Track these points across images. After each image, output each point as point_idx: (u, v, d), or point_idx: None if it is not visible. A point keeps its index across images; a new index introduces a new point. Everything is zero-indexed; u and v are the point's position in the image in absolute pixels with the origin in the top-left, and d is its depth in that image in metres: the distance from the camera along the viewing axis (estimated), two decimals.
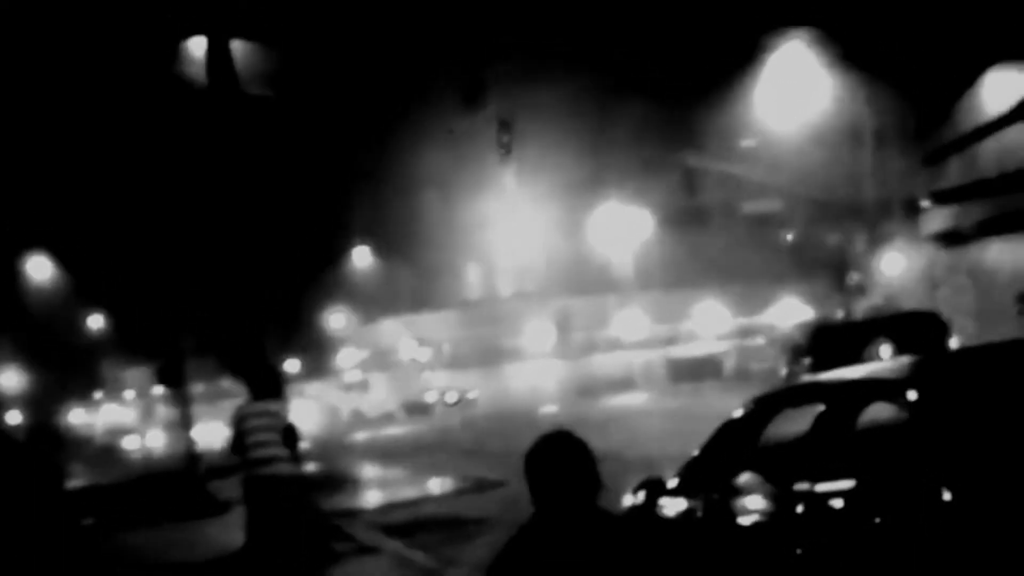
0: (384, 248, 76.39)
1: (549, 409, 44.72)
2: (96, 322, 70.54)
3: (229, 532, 11.64)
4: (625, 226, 55.64)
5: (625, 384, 56.22)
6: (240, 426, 10.20)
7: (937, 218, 38.05)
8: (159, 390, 58.72)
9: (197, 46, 15.37)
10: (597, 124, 52.31)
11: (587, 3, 52.28)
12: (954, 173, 36.78)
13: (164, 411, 64.79)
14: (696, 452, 7.20)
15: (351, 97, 63.98)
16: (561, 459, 3.99)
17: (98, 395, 79.99)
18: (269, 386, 10.55)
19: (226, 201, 15.01)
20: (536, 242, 64.39)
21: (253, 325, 14.84)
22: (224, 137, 14.68)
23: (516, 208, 57.94)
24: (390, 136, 67.71)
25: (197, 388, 49.37)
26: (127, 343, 60.37)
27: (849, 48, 36.88)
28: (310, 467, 13.39)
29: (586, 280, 60.47)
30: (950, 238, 37.33)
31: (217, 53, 14.67)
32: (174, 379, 23.83)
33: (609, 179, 54.96)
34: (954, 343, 23.85)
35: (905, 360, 6.78)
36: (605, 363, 59.96)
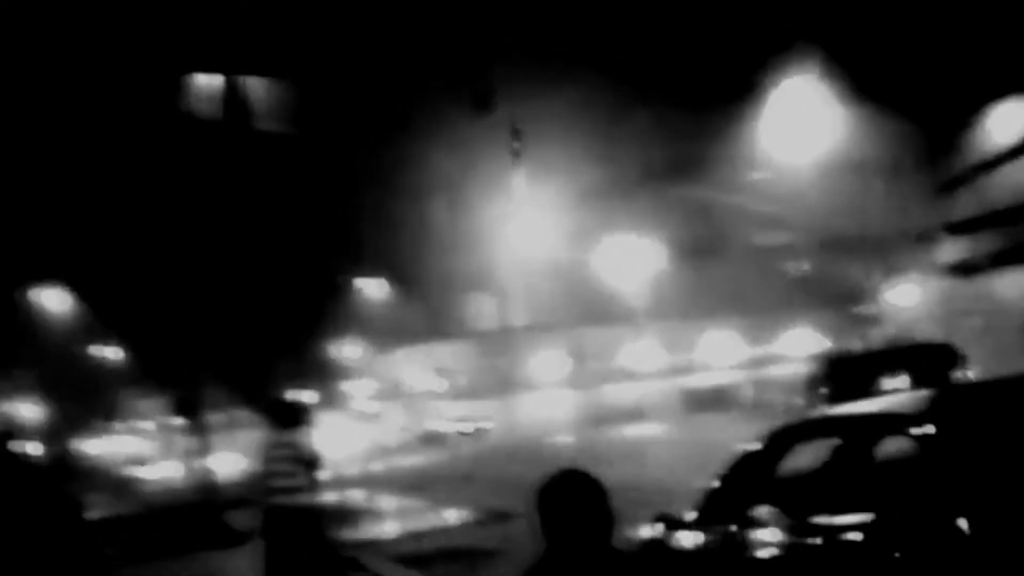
0: (397, 278, 76.69)
1: (563, 439, 44.68)
2: (113, 353, 70.87)
3: (247, 563, 11.68)
4: (636, 256, 55.73)
5: (639, 414, 56.18)
6: (263, 456, 10.26)
7: (950, 249, 38.05)
8: (176, 420, 58.87)
9: (212, 82, 15.53)
10: (608, 144, 52.40)
11: (601, 15, 52.53)
12: (966, 204, 36.81)
13: (181, 441, 64.91)
14: (713, 484, 7.23)
15: (361, 113, 64.29)
16: (575, 497, 3.96)
17: (115, 425, 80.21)
18: (290, 416, 10.60)
19: (242, 233, 15.18)
20: (548, 267, 64.49)
21: (268, 353, 14.97)
22: (240, 171, 14.86)
23: (526, 217, 58.00)
24: (400, 146, 68.00)
25: (214, 418, 49.47)
26: (144, 373, 60.62)
27: (859, 79, 37.01)
28: (326, 497, 13.46)
29: (599, 310, 60.49)
30: (963, 269, 37.32)
31: (231, 89, 14.84)
32: (191, 409, 23.95)
33: (620, 208, 55.06)
34: (969, 375, 23.81)
35: (921, 393, 6.82)
36: (619, 393, 59.94)
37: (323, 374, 70.47)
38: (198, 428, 24.10)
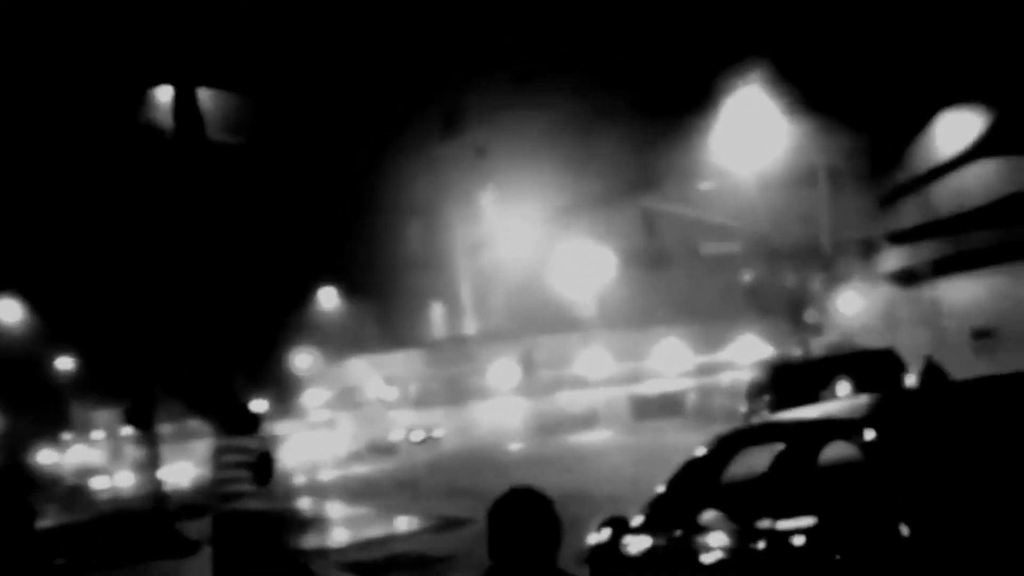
0: (350, 289, 76.51)
1: (514, 447, 44.73)
2: (65, 364, 70.13)
3: (198, 571, 11.64)
4: (588, 265, 55.90)
5: (589, 421, 56.30)
6: (214, 462, 10.18)
7: (893, 257, 38.49)
8: (128, 431, 58.20)
9: (165, 93, 15.49)
10: (563, 161, 52.70)
11: (563, 34, 52.73)
12: (909, 213, 37.24)
13: (133, 451, 64.17)
14: (660, 490, 7.31)
15: (325, 133, 64.20)
16: (523, 517, 4.00)
17: (67, 436, 79.28)
18: (241, 422, 10.53)
19: (195, 244, 15.12)
20: (502, 278, 64.58)
21: (221, 363, 14.90)
22: (192, 182, 14.81)
23: (490, 237, 58.03)
24: (364, 167, 67.95)
25: (165, 429, 48.97)
26: (96, 384, 59.94)
27: (806, 91, 37.37)
28: (278, 505, 13.38)
29: (550, 319, 60.59)
30: (906, 277, 37.75)
31: (184, 100, 14.81)
32: (142, 420, 23.71)
33: (572, 217, 55.26)
34: (911, 381, 24.11)
35: (863, 399, 6.94)
36: (569, 401, 60.07)
37: (277, 383, 70.01)
38: (149, 438, 23.88)
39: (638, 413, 55.16)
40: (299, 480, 40.96)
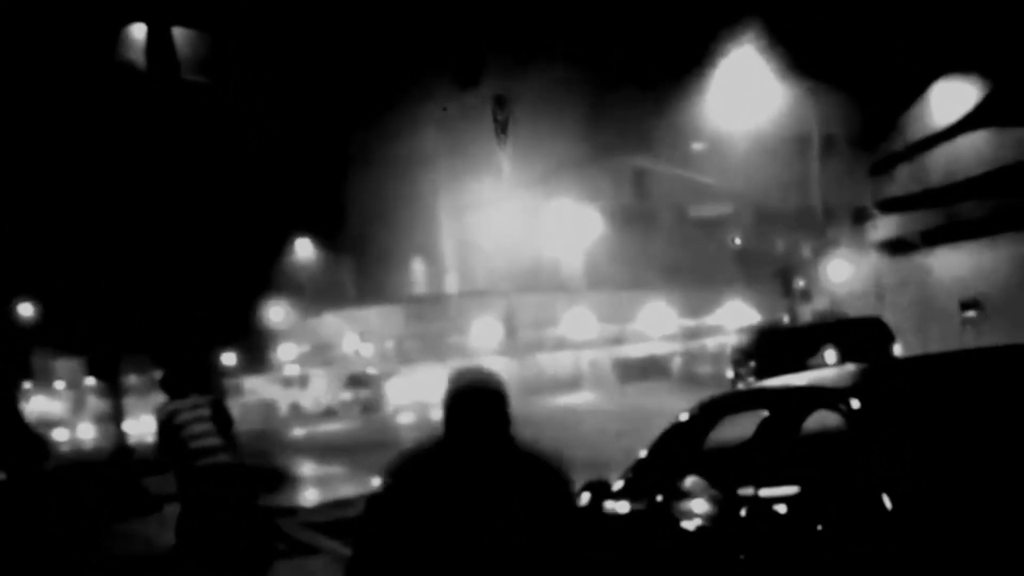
0: (327, 240, 75.70)
1: None
2: (26, 310, 69.43)
3: (166, 529, 11.51)
4: (575, 225, 55.81)
5: (572, 383, 56.38)
6: (169, 423, 9.95)
7: (884, 226, 38.44)
8: (91, 381, 57.84)
9: (138, 32, 15.14)
10: (552, 120, 52.44)
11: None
12: (902, 182, 37.16)
13: (96, 403, 63.82)
14: (642, 454, 7.24)
15: (319, 83, 63.81)
16: (479, 397, 4.14)
17: (27, 385, 78.78)
18: (194, 381, 10.38)
19: (164, 189, 14.80)
20: (487, 235, 64.36)
21: (191, 315, 14.61)
22: (163, 124, 14.49)
23: (480, 194, 57.72)
24: (360, 118, 67.58)
25: (130, 380, 48.59)
26: (58, 332, 59.22)
27: (800, 55, 37.22)
28: (246, 461, 13.14)
29: (535, 278, 60.56)
30: (896, 246, 37.73)
31: (157, 40, 14.47)
32: (106, 371, 23.23)
33: (560, 176, 55.11)
34: (898, 351, 24.11)
35: (849, 368, 6.87)
36: (553, 362, 60.10)
37: (248, 336, 69.57)
38: (113, 389, 23.38)
39: (622, 376, 55.24)
40: (268, 437, 40.70)
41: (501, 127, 37.33)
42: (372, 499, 4.20)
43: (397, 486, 4.12)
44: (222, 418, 10.01)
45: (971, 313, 32.44)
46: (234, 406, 18.33)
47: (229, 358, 64.07)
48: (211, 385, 10.58)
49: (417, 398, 54.88)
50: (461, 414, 4.12)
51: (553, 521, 4.12)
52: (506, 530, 4.00)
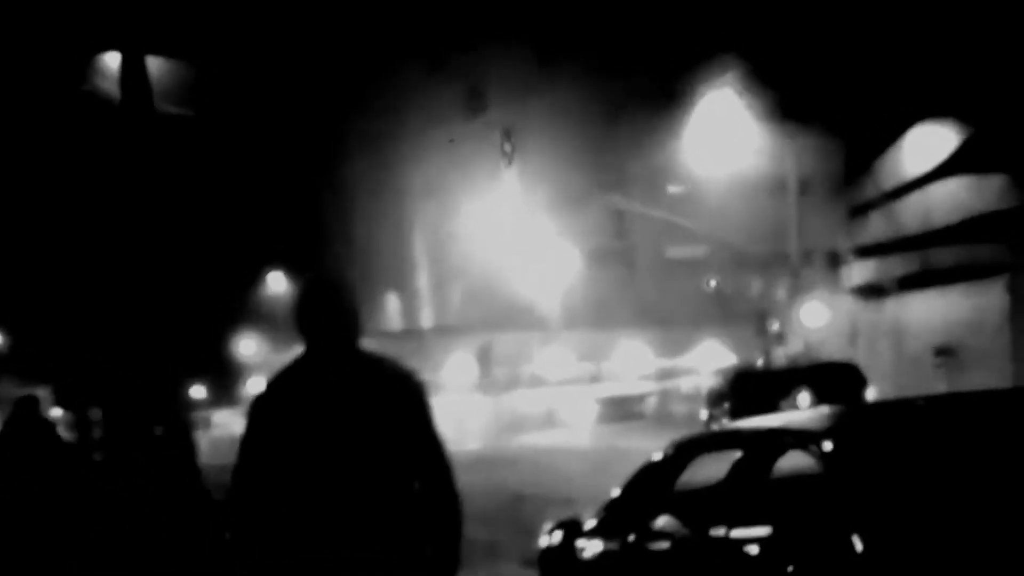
0: (301, 273, 75.36)
1: (470, 445, 44.62)
2: None
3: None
4: (552, 262, 55.87)
5: (547, 422, 56.24)
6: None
7: (859, 271, 38.65)
8: (57, 412, 57.12)
9: (112, 60, 15.06)
10: (536, 160, 52.57)
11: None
12: (877, 227, 37.38)
13: (64, 434, 63.05)
14: (615, 493, 7.25)
15: (299, 112, 63.70)
16: (327, 303, 4.49)
17: None
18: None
19: (135, 219, 14.67)
20: (465, 271, 64.32)
21: (161, 348, 14.43)
22: (134, 154, 14.38)
23: (460, 228, 57.52)
24: (342, 149, 67.42)
25: (96, 413, 47.88)
26: (25, 363, 58.43)
27: (778, 98, 37.49)
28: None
29: (510, 315, 60.49)
30: (871, 291, 37.92)
31: (131, 69, 14.38)
32: (73, 401, 22.99)
33: (539, 213, 55.18)
34: (871, 395, 24.22)
35: (822, 411, 6.91)
36: (527, 400, 59.93)
37: (218, 369, 68.98)
38: (81, 421, 23.08)
39: (597, 415, 55.17)
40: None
41: (508, 158, 37.16)
42: (250, 408, 4.54)
43: (267, 394, 4.49)
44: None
45: (940, 360, 32.67)
46: (203, 439, 18.21)
47: (199, 391, 63.62)
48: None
49: None
50: (310, 313, 4.49)
51: (405, 414, 4.43)
52: (362, 425, 4.33)
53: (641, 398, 56.80)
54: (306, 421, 4.32)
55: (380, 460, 4.34)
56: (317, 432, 4.30)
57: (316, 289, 4.57)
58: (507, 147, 36.56)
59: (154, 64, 14.96)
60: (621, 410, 54.63)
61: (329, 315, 4.47)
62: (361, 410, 4.35)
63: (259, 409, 4.46)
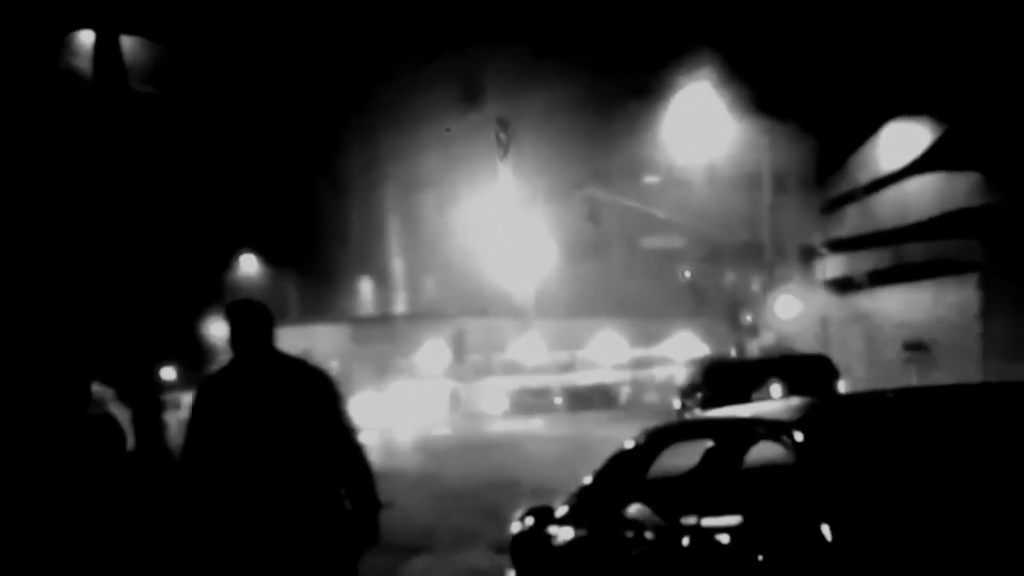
0: (273, 256, 74.91)
1: (441, 431, 44.63)
2: None
3: None
4: (529, 253, 55.90)
5: (521, 408, 56.27)
6: None
7: (832, 265, 38.83)
8: None
9: (86, 38, 14.89)
10: (523, 150, 52.56)
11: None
12: (851, 221, 37.56)
13: None
14: (586, 480, 7.28)
15: (287, 97, 63.35)
16: (249, 317, 5.84)
17: None
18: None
19: (106, 199, 14.51)
20: (438, 258, 64.21)
21: (132, 329, 14.31)
22: (107, 134, 14.21)
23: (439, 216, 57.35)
24: (334, 136, 67.06)
25: None
26: None
27: (756, 91, 37.58)
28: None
29: (485, 303, 60.45)
30: (843, 285, 38.11)
31: (105, 47, 14.20)
32: None
33: (518, 206, 55.20)
34: (842, 387, 24.35)
35: (794, 402, 6.95)
36: (500, 387, 59.93)
37: (188, 351, 68.53)
38: None
39: (570, 403, 55.29)
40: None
41: (503, 148, 37.09)
42: (192, 402, 5.65)
43: (204, 390, 5.73)
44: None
45: (908, 354, 32.89)
46: (172, 420, 18.17)
47: (168, 372, 63.31)
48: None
49: (361, 418, 54.33)
50: (235, 328, 5.82)
51: (317, 399, 5.66)
52: (282, 407, 5.54)
53: (614, 387, 56.93)
54: (238, 404, 5.54)
55: (299, 434, 5.53)
56: (247, 413, 5.50)
57: (238, 311, 5.90)
58: (503, 137, 36.51)
59: (131, 43, 14.82)
60: (594, 398, 54.77)
61: (249, 329, 5.77)
62: (280, 396, 5.57)
63: (200, 398, 5.65)
